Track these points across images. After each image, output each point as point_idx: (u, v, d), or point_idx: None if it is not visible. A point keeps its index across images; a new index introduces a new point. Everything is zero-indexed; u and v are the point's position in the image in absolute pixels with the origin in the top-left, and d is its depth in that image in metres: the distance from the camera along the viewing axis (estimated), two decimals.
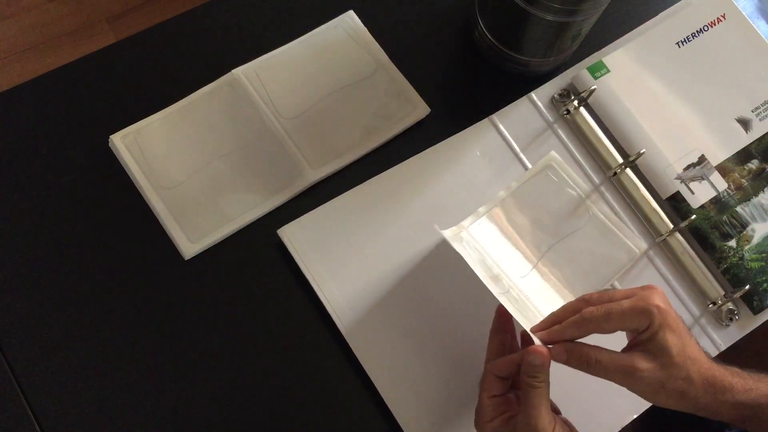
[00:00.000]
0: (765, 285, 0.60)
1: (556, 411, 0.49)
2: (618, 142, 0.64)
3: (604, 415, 0.56)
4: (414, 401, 0.55)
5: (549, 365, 0.44)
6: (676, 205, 0.62)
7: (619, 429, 0.56)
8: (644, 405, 0.57)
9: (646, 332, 0.43)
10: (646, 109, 0.64)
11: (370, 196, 0.60)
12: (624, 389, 0.54)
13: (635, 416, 0.57)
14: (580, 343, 0.44)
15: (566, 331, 0.45)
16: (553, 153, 0.63)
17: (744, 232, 0.62)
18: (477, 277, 0.50)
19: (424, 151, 0.62)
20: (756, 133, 0.64)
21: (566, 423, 0.47)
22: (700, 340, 0.59)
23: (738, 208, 0.62)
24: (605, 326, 0.43)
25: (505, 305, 0.47)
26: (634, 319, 0.43)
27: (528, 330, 0.46)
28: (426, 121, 0.64)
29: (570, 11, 0.54)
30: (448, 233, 0.53)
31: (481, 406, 0.46)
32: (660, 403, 0.45)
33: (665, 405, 0.45)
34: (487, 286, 0.49)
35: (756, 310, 0.60)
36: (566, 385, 0.56)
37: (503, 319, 0.50)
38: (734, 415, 0.44)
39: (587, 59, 0.67)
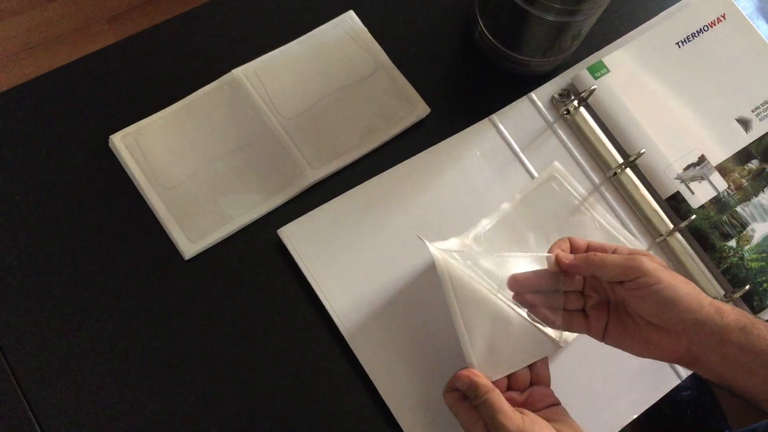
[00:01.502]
0: (765, 285, 0.60)
1: (553, 401, 0.49)
2: (618, 142, 0.64)
3: (604, 415, 0.56)
4: (414, 400, 0.55)
5: (478, 383, 0.46)
6: (676, 205, 0.62)
7: (619, 429, 0.56)
8: (644, 405, 0.57)
9: (644, 278, 0.45)
10: (646, 109, 0.64)
11: (370, 196, 0.60)
12: (623, 390, 0.54)
13: (635, 416, 0.56)
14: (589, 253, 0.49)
15: (576, 262, 0.49)
16: (556, 164, 0.62)
17: (744, 232, 0.62)
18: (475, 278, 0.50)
19: (424, 151, 0.62)
20: (756, 133, 0.64)
21: (557, 414, 0.48)
22: None
23: (738, 208, 0.62)
24: (600, 271, 0.47)
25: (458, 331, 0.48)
26: (627, 269, 0.46)
27: (470, 362, 0.48)
28: (426, 121, 0.64)
29: (570, 11, 0.54)
30: (434, 249, 0.51)
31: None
32: (667, 316, 0.45)
33: (672, 318, 0.45)
34: (451, 309, 0.49)
35: (756, 310, 0.60)
36: (567, 385, 0.57)
37: None
38: (734, 322, 0.44)
39: (587, 59, 0.67)
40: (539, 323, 0.51)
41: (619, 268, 0.46)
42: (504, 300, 0.50)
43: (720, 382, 0.45)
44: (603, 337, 0.49)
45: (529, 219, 0.60)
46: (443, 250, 0.51)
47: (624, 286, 0.46)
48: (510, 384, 0.49)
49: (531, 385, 0.49)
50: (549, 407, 0.48)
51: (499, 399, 0.45)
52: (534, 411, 0.47)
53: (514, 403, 0.47)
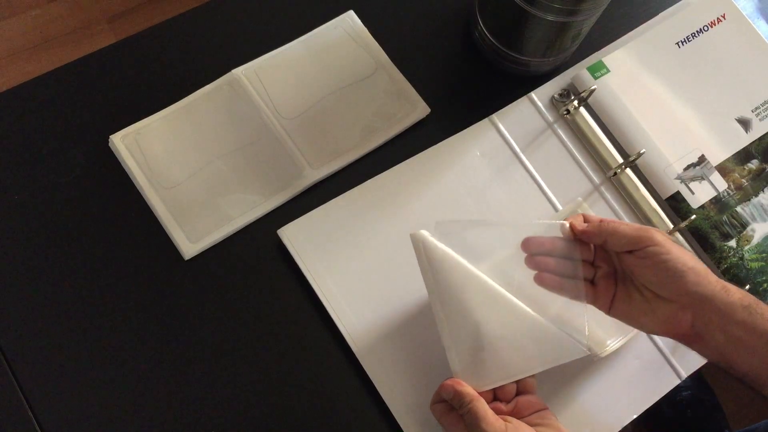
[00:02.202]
0: (765, 285, 0.60)
1: (540, 407, 0.49)
2: (618, 142, 0.64)
3: (604, 415, 0.56)
4: (414, 400, 0.55)
5: (462, 392, 0.46)
6: (676, 205, 0.62)
7: (619, 429, 0.56)
8: (644, 405, 0.57)
9: (654, 247, 0.46)
10: (646, 109, 0.64)
11: (370, 196, 0.60)
12: (623, 390, 0.54)
13: (635, 416, 0.56)
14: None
15: (589, 229, 0.49)
16: (581, 200, 0.61)
17: (744, 232, 0.62)
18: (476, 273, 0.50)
19: (424, 151, 0.62)
20: (756, 133, 0.64)
21: (540, 418, 0.48)
22: None
23: (738, 208, 0.62)
24: (612, 237, 0.48)
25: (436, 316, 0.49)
26: (639, 238, 0.47)
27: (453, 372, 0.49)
28: (426, 121, 0.64)
29: (570, 11, 0.54)
30: (424, 255, 0.50)
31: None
32: (674, 287, 0.45)
33: (679, 289, 0.45)
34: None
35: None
36: (567, 385, 0.57)
37: None
38: (739, 301, 0.45)
39: (587, 59, 0.67)
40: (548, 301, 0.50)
41: (631, 236, 0.47)
42: (504, 294, 0.50)
43: (721, 361, 0.46)
44: (609, 309, 0.50)
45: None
46: (449, 221, 0.51)
47: (634, 255, 0.47)
48: (496, 394, 0.49)
49: (517, 394, 0.49)
50: (535, 413, 0.48)
51: (483, 407, 0.45)
52: (520, 419, 0.47)
53: (501, 414, 0.47)
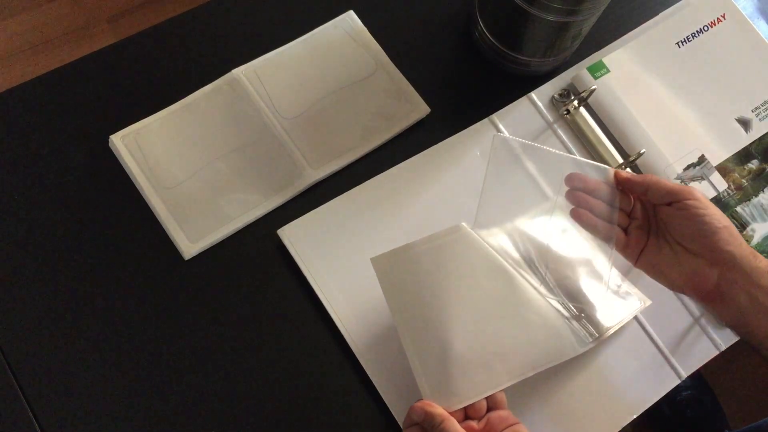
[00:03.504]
0: None
1: (512, 422, 0.48)
2: (618, 142, 0.64)
3: (604, 415, 0.56)
4: (413, 399, 0.55)
5: (432, 413, 0.46)
6: None
7: (619, 429, 0.56)
8: (644, 405, 0.57)
9: (693, 201, 0.48)
10: (646, 109, 0.64)
11: (370, 196, 0.60)
12: (623, 390, 0.54)
13: (635, 416, 0.56)
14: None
15: (633, 177, 0.52)
16: (611, 169, 0.60)
17: (744, 232, 0.62)
18: (478, 272, 0.50)
19: (424, 151, 0.62)
20: (756, 133, 0.64)
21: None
22: (700, 340, 0.59)
23: (738, 208, 0.62)
24: (655, 187, 0.50)
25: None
26: (680, 191, 0.49)
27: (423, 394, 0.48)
28: (426, 121, 0.64)
29: (570, 11, 0.54)
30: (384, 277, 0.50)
31: None
32: (706, 243, 0.47)
33: (710, 246, 0.47)
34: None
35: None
36: (567, 385, 0.57)
37: None
38: (766, 267, 0.46)
39: (587, 59, 0.67)
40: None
41: (671, 188, 0.49)
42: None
43: (740, 325, 0.47)
44: (636, 259, 0.52)
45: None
46: (509, 137, 0.52)
47: (672, 207, 0.49)
48: (467, 413, 0.48)
49: (488, 411, 0.49)
50: (508, 428, 0.48)
51: (455, 427, 0.45)
52: None
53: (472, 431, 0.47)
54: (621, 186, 0.52)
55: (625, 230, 0.52)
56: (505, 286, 0.51)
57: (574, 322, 0.53)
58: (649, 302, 0.57)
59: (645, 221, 0.52)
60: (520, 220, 0.55)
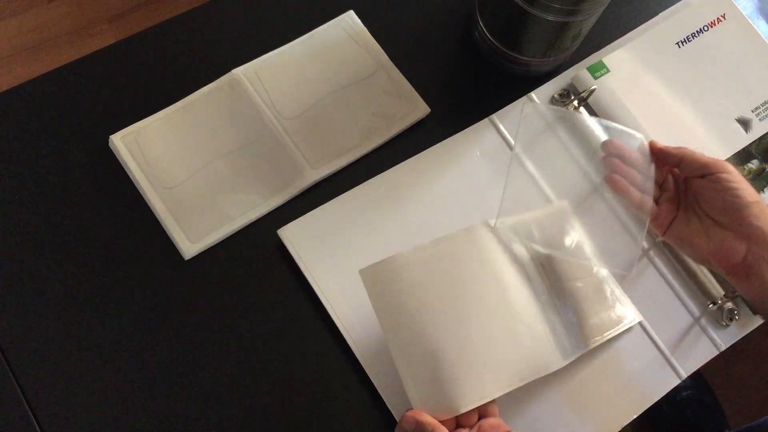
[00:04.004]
0: None
1: (503, 430, 0.48)
2: None
3: (604, 415, 0.56)
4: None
5: (423, 422, 0.46)
6: None
7: (619, 429, 0.56)
8: (644, 405, 0.57)
9: (726, 174, 0.49)
10: (646, 109, 0.64)
11: (370, 196, 0.60)
12: (623, 390, 0.54)
13: (635, 416, 0.56)
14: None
15: (669, 148, 0.53)
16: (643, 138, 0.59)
17: None
18: (467, 282, 0.50)
19: (424, 151, 0.62)
20: (756, 133, 0.64)
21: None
22: (700, 340, 0.59)
23: None
24: (690, 158, 0.51)
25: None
26: (714, 164, 0.50)
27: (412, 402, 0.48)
28: (426, 121, 0.64)
29: (570, 11, 0.54)
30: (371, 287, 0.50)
31: None
32: (736, 217, 0.48)
33: (741, 219, 0.48)
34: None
35: (756, 311, 0.60)
36: (566, 385, 0.57)
37: None
38: None
39: (587, 59, 0.67)
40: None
41: (705, 161, 0.50)
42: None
43: (764, 301, 0.47)
44: (665, 231, 0.53)
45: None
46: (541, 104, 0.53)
47: (704, 179, 0.50)
48: (458, 421, 0.48)
49: (480, 418, 0.49)
50: None
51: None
52: None
53: None
54: (655, 156, 0.53)
55: (656, 201, 0.53)
56: (495, 296, 0.51)
57: (561, 333, 0.52)
58: (640, 318, 0.58)
59: (675, 193, 0.53)
60: (548, 190, 0.56)
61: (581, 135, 0.60)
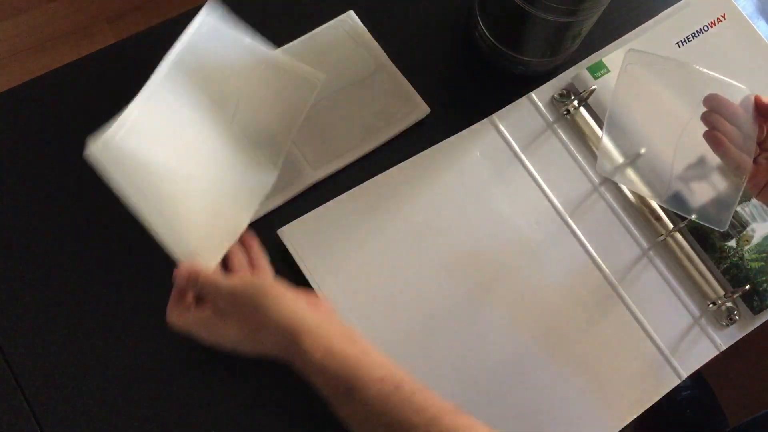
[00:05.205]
0: (765, 285, 0.60)
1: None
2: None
3: (605, 415, 0.56)
4: None
5: (195, 270, 0.49)
6: None
7: (619, 429, 0.56)
8: (644, 405, 0.57)
9: None
10: (646, 109, 0.64)
11: (370, 196, 0.60)
12: (623, 390, 0.54)
13: (635, 416, 0.56)
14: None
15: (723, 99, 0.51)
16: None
17: (744, 232, 0.62)
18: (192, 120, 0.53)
19: (424, 151, 0.62)
20: None
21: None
22: (700, 340, 0.59)
23: (738, 208, 0.62)
24: (735, 115, 0.50)
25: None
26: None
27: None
28: (426, 121, 0.64)
29: (570, 11, 0.54)
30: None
31: None
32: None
33: None
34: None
35: (756, 310, 0.60)
36: (566, 385, 0.57)
37: None
38: None
39: (587, 59, 0.67)
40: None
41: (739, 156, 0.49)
42: None
43: None
44: (760, 191, 0.51)
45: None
46: (643, 52, 0.52)
47: None
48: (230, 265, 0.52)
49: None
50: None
51: (217, 270, 0.48)
52: None
53: None
54: (759, 111, 0.51)
55: (755, 160, 0.51)
56: (201, 143, 0.53)
57: (256, 150, 0.55)
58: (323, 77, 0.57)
59: None
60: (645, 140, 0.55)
61: (686, 86, 0.57)
